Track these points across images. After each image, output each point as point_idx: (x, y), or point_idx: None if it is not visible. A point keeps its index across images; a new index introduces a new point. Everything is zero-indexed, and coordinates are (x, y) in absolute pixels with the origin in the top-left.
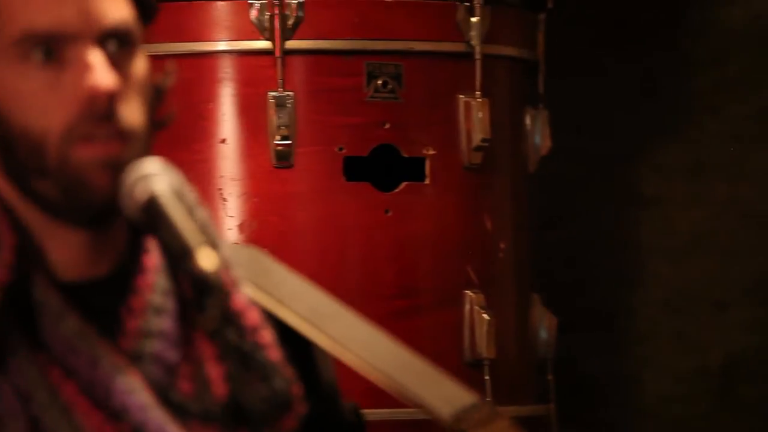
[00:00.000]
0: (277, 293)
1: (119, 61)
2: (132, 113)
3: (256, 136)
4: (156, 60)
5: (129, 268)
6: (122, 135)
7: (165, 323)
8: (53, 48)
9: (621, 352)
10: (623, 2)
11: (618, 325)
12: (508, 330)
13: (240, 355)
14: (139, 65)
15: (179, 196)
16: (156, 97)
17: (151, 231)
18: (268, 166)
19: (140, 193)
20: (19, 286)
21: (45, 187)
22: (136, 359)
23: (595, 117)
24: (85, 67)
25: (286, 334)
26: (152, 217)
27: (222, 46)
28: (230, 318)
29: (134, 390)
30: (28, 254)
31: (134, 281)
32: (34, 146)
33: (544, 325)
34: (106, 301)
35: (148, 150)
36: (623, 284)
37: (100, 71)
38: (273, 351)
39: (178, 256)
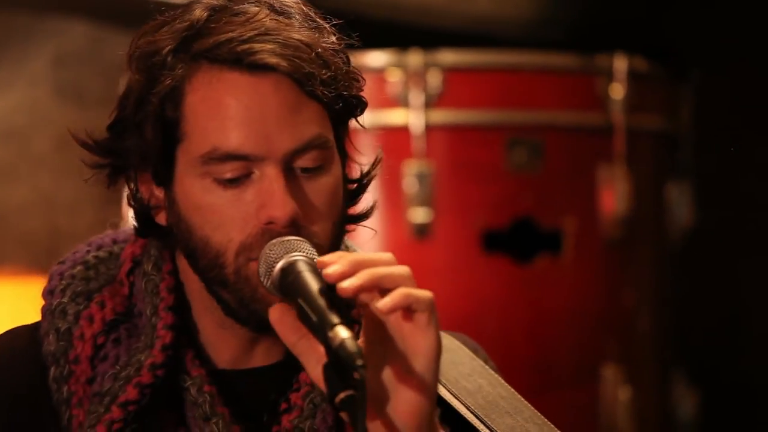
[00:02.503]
0: (455, 386)
1: (307, 178)
2: (316, 231)
3: (394, 208)
4: None
5: (292, 359)
6: None
7: (319, 420)
8: (239, 177)
9: None
10: None
11: None
12: (648, 406)
13: None
14: (331, 176)
15: (314, 269)
16: (355, 191)
17: (290, 299)
18: (406, 239)
19: (278, 264)
20: (174, 382)
21: (225, 296)
22: None
23: (745, 190)
24: (266, 191)
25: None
26: (289, 286)
27: (360, 117)
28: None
29: None
30: (192, 348)
31: (299, 376)
32: (213, 258)
33: (687, 401)
34: (269, 388)
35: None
36: None
37: (279, 198)
38: None
39: (316, 329)
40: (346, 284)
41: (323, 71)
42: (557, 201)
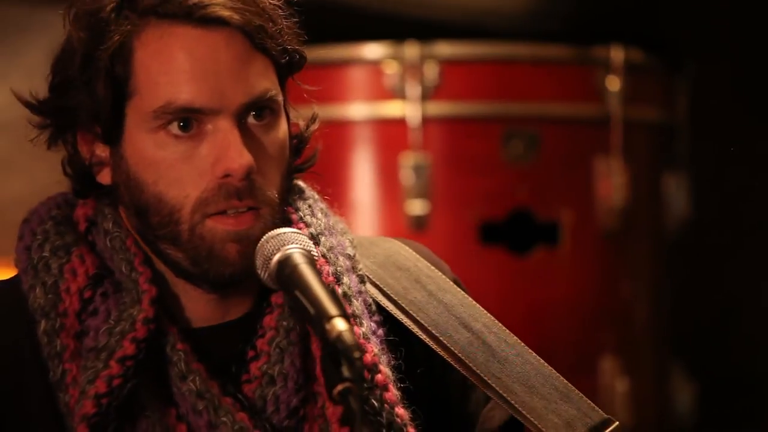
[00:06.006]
0: (405, 298)
1: (258, 132)
2: (268, 183)
3: (391, 200)
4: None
5: (260, 308)
6: (255, 208)
7: (287, 364)
8: (191, 121)
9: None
10: None
11: (765, 393)
12: (646, 397)
13: (375, 427)
14: (280, 130)
15: (311, 261)
16: (298, 146)
17: (286, 293)
18: (403, 231)
19: (275, 256)
20: (154, 340)
21: (176, 254)
22: (259, 404)
23: (742, 181)
24: (221, 145)
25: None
26: (287, 279)
27: (357, 110)
28: (370, 391)
29: None
30: (162, 305)
31: (263, 321)
32: (167, 215)
33: (684, 392)
34: (235, 342)
35: (283, 205)
36: None
37: (236, 150)
38: (410, 429)
39: (313, 321)
40: None
41: (270, 24)
42: (554, 193)
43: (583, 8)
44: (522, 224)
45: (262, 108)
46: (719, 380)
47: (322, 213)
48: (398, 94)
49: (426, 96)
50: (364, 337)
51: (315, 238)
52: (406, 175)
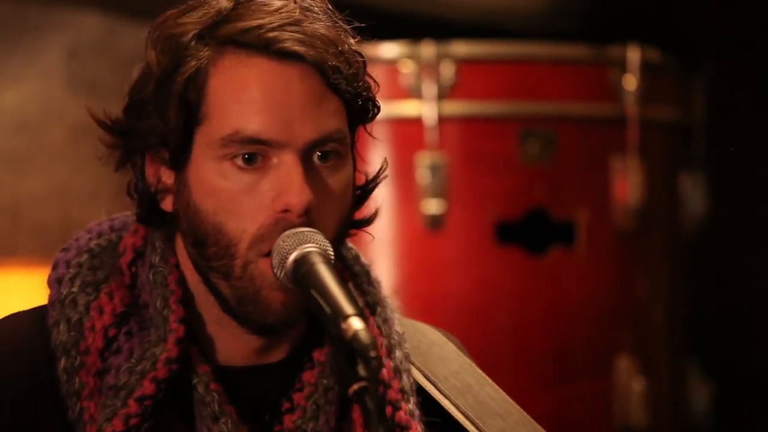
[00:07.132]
0: (445, 384)
1: (322, 172)
2: (324, 226)
3: (407, 200)
4: None
5: (301, 357)
6: None
7: (322, 422)
8: (257, 156)
9: None
10: None
11: None
12: (662, 397)
13: None
14: (344, 175)
15: (328, 260)
16: (360, 197)
17: (302, 291)
18: (419, 231)
19: (291, 255)
20: (181, 377)
21: (225, 290)
22: None
23: (758, 180)
24: (283, 180)
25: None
26: (303, 278)
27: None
28: (383, 410)
29: None
30: (196, 344)
31: (302, 375)
32: (224, 247)
33: (701, 392)
34: (267, 388)
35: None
36: None
37: (297, 186)
38: None
39: (329, 320)
40: None
41: (346, 66)
42: (570, 192)
43: (599, 7)
44: (538, 224)
45: (329, 151)
46: (735, 380)
47: (376, 284)
48: (414, 93)
49: (442, 95)
50: (410, 414)
51: (371, 308)
52: (423, 175)
